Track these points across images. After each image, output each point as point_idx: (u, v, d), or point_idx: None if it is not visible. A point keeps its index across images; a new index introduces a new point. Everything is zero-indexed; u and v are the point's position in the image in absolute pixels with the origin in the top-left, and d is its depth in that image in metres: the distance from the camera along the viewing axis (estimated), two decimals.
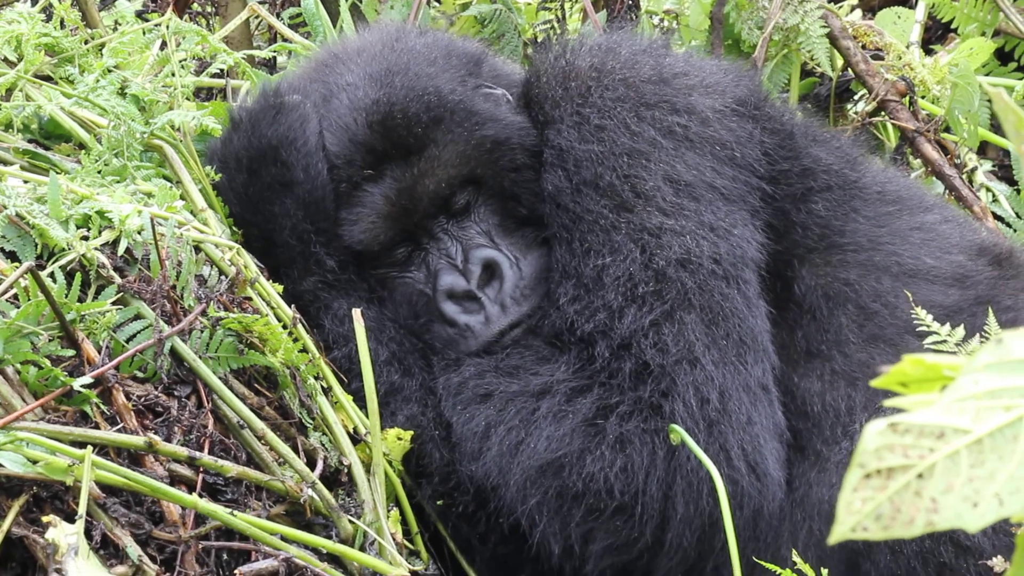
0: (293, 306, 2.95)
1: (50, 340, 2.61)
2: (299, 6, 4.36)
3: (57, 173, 2.87)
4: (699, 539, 2.91)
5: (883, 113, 4.26)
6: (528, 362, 3.03)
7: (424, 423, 3.03)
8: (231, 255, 2.94)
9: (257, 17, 4.29)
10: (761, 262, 3.09)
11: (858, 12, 4.47)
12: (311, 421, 2.90)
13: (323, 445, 2.89)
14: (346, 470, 2.88)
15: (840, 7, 4.34)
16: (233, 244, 2.97)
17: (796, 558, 2.78)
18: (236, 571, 2.61)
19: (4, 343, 2.53)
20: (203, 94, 4.05)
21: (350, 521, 2.81)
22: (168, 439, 2.66)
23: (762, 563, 2.91)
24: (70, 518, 2.44)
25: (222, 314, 2.80)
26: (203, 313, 2.78)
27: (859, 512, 1.32)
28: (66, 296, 2.63)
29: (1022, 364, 1.35)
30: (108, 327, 2.68)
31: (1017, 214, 4.37)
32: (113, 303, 2.71)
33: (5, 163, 2.96)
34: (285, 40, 4.11)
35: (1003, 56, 4.64)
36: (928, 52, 4.60)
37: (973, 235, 3.33)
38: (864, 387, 3.03)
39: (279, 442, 2.78)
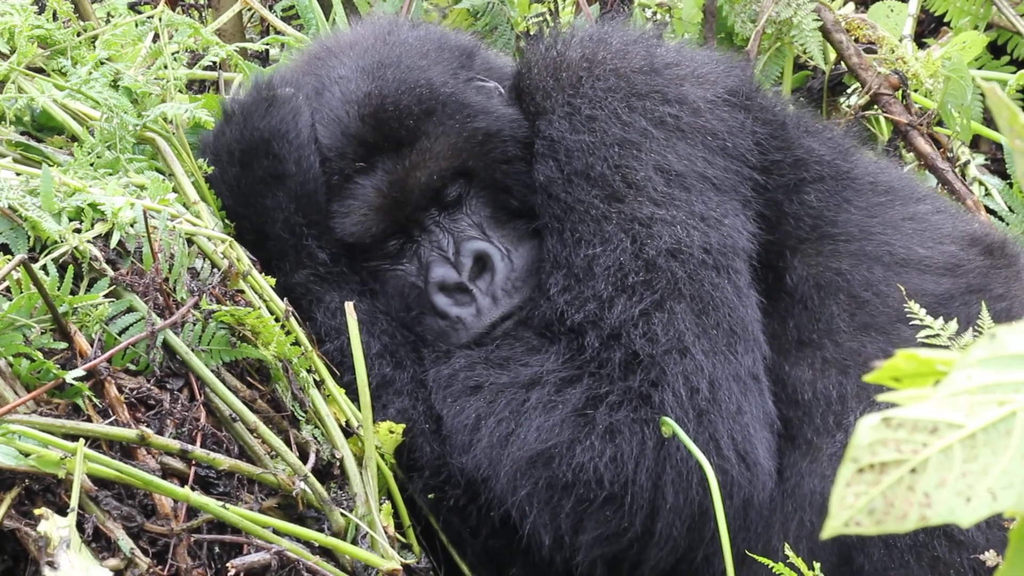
0: (285, 299, 2.95)
1: (42, 333, 2.61)
2: None
3: (50, 165, 2.86)
4: (689, 529, 2.91)
5: (876, 106, 4.27)
6: (518, 353, 3.03)
7: (415, 416, 3.04)
8: (224, 248, 2.94)
9: (250, 10, 4.28)
10: (752, 252, 3.09)
11: (851, 5, 4.48)
12: (303, 414, 2.90)
13: (315, 438, 2.89)
14: (338, 463, 2.88)
15: (833, 0, 4.34)
16: (226, 237, 2.97)
17: (788, 551, 2.79)
18: (228, 564, 2.60)
19: None
20: (196, 87, 4.04)
21: (342, 514, 2.81)
22: (160, 432, 2.66)
23: (753, 555, 2.91)
24: (62, 511, 2.44)
25: (215, 307, 2.80)
26: (195, 306, 2.77)
27: (852, 506, 1.32)
28: (58, 289, 2.63)
29: (1015, 359, 1.35)
30: (100, 320, 2.68)
31: (1009, 208, 4.38)
32: (106, 296, 2.71)
33: None
34: (278, 33, 4.11)
35: (996, 50, 4.64)
36: (921, 46, 4.60)
37: (965, 225, 3.33)
38: (855, 375, 3.04)
39: (271, 435, 2.78)
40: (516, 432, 2.95)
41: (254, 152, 3.09)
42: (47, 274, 2.64)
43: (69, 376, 2.58)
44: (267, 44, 3.90)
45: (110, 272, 2.73)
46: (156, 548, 2.59)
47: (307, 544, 2.73)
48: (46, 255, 2.69)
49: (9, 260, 2.61)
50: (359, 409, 2.90)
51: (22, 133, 3.07)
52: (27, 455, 2.46)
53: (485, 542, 3.08)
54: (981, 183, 4.38)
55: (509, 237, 3.16)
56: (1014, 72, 4.51)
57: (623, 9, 4.39)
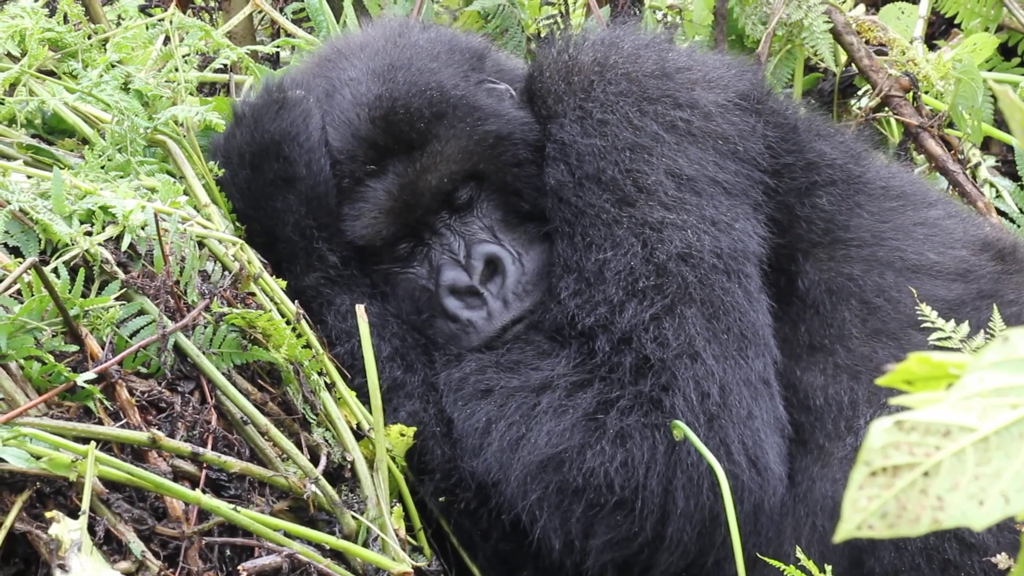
0: (296, 302, 2.95)
1: (54, 336, 2.61)
2: (302, 1, 4.36)
3: (61, 168, 2.87)
4: (699, 534, 2.91)
5: (887, 109, 4.26)
6: (528, 357, 3.03)
7: (426, 419, 3.04)
8: (234, 250, 2.94)
9: (260, 12, 4.29)
10: (763, 256, 3.09)
11: (861, 7, 4.47)
12: (314, 417, 2.90)
13: (326, 441, 2.89)
14: (349, 466, 2.88)
15: (843, 2, 4.34)
16: (236, 239, 2.97)
17: (800, 554, 2.78)
18: (239, 567, 2.61)
19: (8, 339, 2.53)
20: (206, 89, 4.04)
21: (353, 517, 2.81)
22: (171, 435, 2.66)
23: (764, 558, 2.91)
24: (73, 514, 2.44)
25: (226, 310, 2.80)
26: (207, 309, 2.77)
27: (865, 510, 1.32)
28: (70, 292, 2.63)
29: None
30: (112, 323, 2.68)
31: (1021, 209, 4.37)
32: (117, 299, 2.71)
33: (9, 158, 2.96)
34: (288, 35, 4.11)
35: (1007, 51, 4.64)
36: (932, 47, 4.60)
37: (976, 230, 3.33)
38: (867, 381, 3.03)
39: (282, 438, 2.78)
40: (527, 436, 2.95)
41: (265, 155, 3.09)
42: (58, 277, 2.64)
43: (80, 379, 2.58)
44: (278, 46, 3.90)
45: (121, 275, 2.74)
46: (167, 551, 2.59)
47: (318, 547, 2.73)
48: (57, 258, 2.69)
49: (20, 263, 2.61)
50: (370, 412, 2.90)
51: (33, 136, 3.08)
52: (39, 458, 2.46)
53: (496, 545, 3.08)
54: (992, 185, 4.38)
55: (520, 240, 3.16)
56: None
57: (634, 11, 4.39)
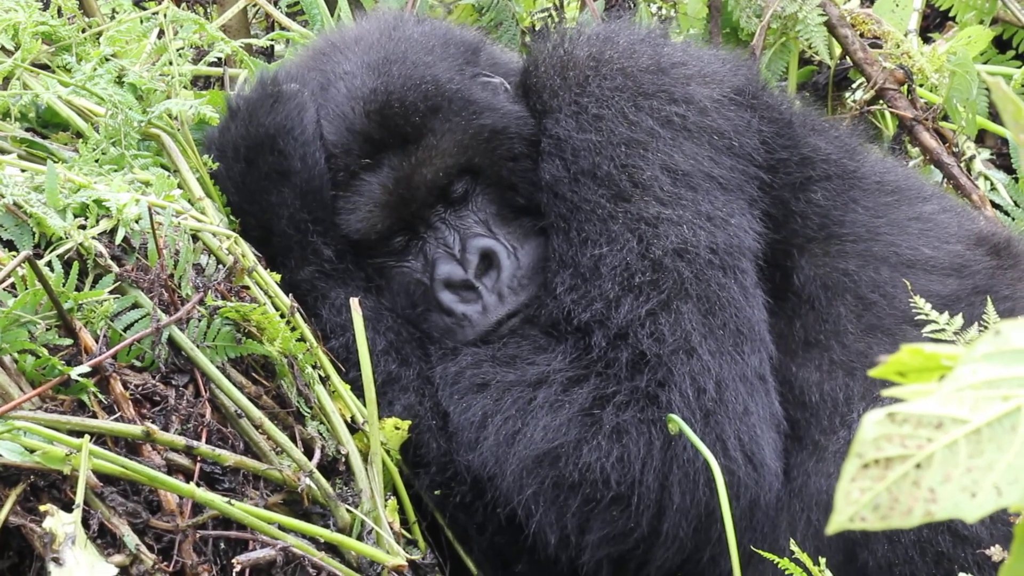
0: (291, 295, 2.95)
1: (48, 329, 2.61)
2: None
3: (55, 162, 2.87)
4: (695, 529, 2.91)
5: (881, 101, 4.26)
6: (525, 351, 3.03)
7: (421, 413, 3.04)
8: (229, 244, 2.94)
9: (255, 5, 4.28)
10: (759, 251, 3.09)
11: (856, 0, 4.47)
12: (309, 410, 2.90)
13: (321, 434, 2.89)
14: (344, 459, 2.88)
15: None
16: (231, 233, 2.97)
17: (793, 546, 2.78)
18: (233, 560, 2.61)
19: (2, 332, 2.53)
20: (200, 82, 4.04)
21: (347, 510, 2.81)
22: (166, 428, 2.66)
23: (759, 552, 2.91)
24: (67, 507, 2.44)
25: (220, 303, 2.80)
26: (201, 302, 2.77)
27: (857, 502, 1.32)
28: (64, 285, 2.63)
29: (1020, 354, 1.35)
30: (105, 316, 2.68)
31: (1015, 203, 4.37)
32: (111, 292, 2.71)
33: (3, 152, 2.95)
34: (283, 28, 4.11)
35: (1001, 44, 4.63)
36: (926, 40, 4.60)
37: (971, 224, 3.33)
38: (862, 377, 3.03)
39: (277, 431, 2.78)
40: (523, 431, 2.95)
41: (259, 148, 3.09)
42: (52, 270, 2.64)
43: (74, 372, 2.58)
44: (272, 40, 3.89)
45: (115, 268, 2.73)
46: (161, 544, 2.60)
47: (312, 540, 2.73)
48: (51, 251, 2.69)
49: (14, 256, 2.61)
50: (364, 405, 2.89)
51: (27, 129, 3.07)
52: (32, 451, 2.46)
53: (491, 539, 3.08)
54: (986, 178, 4.38)
55: (515, 234, 3.16)
56: (1019, 67, 4.50)
57: (628, 4, 4.39)
